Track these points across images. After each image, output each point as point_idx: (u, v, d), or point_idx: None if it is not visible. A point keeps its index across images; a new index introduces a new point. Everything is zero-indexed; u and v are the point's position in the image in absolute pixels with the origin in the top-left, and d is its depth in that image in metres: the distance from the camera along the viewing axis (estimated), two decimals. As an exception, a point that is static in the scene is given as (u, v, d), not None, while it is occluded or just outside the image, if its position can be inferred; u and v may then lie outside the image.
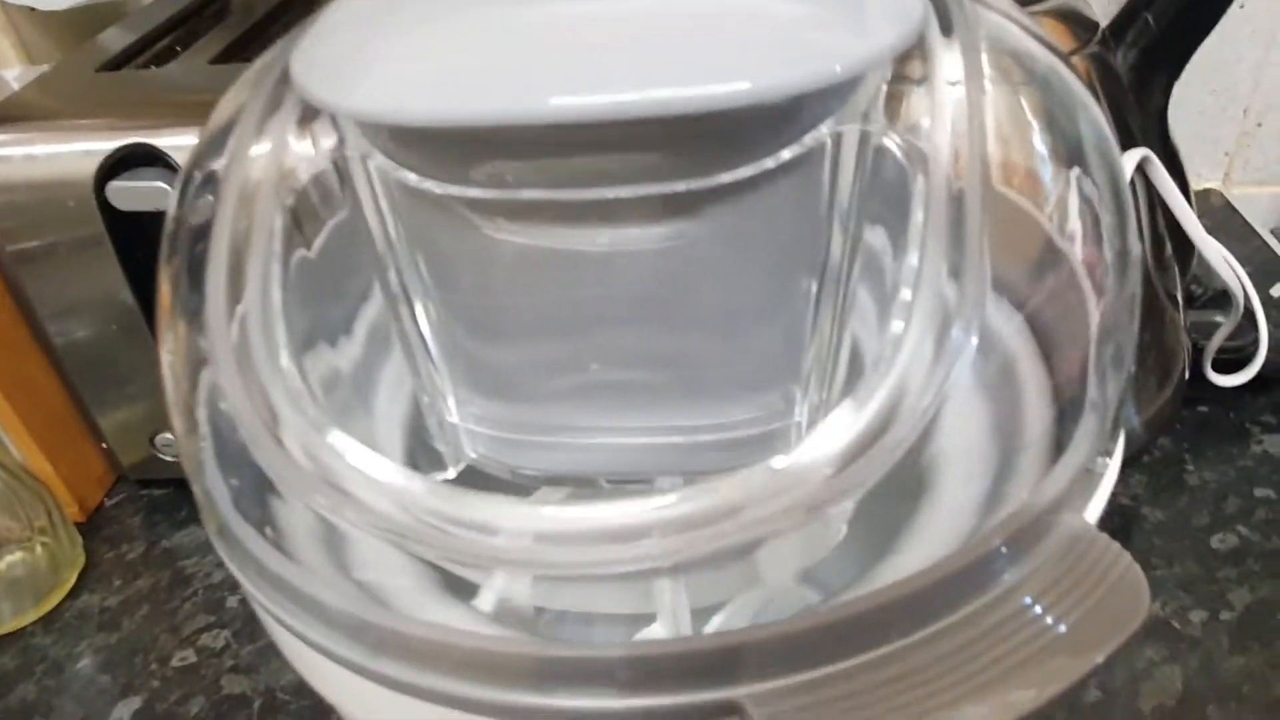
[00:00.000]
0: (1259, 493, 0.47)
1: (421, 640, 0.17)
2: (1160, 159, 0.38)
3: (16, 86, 0.54)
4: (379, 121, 0.18)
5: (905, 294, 0.17)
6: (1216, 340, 0.49)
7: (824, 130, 0.18)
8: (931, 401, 0.16)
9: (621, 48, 0.17)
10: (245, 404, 0.17)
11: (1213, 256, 0.42)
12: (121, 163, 0.41)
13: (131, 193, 0.41)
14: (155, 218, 0.41)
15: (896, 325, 0.16)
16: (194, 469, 0.20)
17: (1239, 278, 0.45)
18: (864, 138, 0.18)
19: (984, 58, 0.18)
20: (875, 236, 0.20)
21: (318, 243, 0.20)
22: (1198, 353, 0.49)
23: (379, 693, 0.18)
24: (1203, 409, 0.52)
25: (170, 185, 0.41)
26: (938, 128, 0.18)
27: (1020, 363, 0.21)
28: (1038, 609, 0.17)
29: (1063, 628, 0.17)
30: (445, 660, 0.17)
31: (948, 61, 0.18)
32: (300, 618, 0.19)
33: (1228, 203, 0.70)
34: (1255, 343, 0.49)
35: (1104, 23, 0.41)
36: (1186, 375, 0.47)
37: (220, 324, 0.18)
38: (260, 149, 0.19)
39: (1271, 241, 0.66)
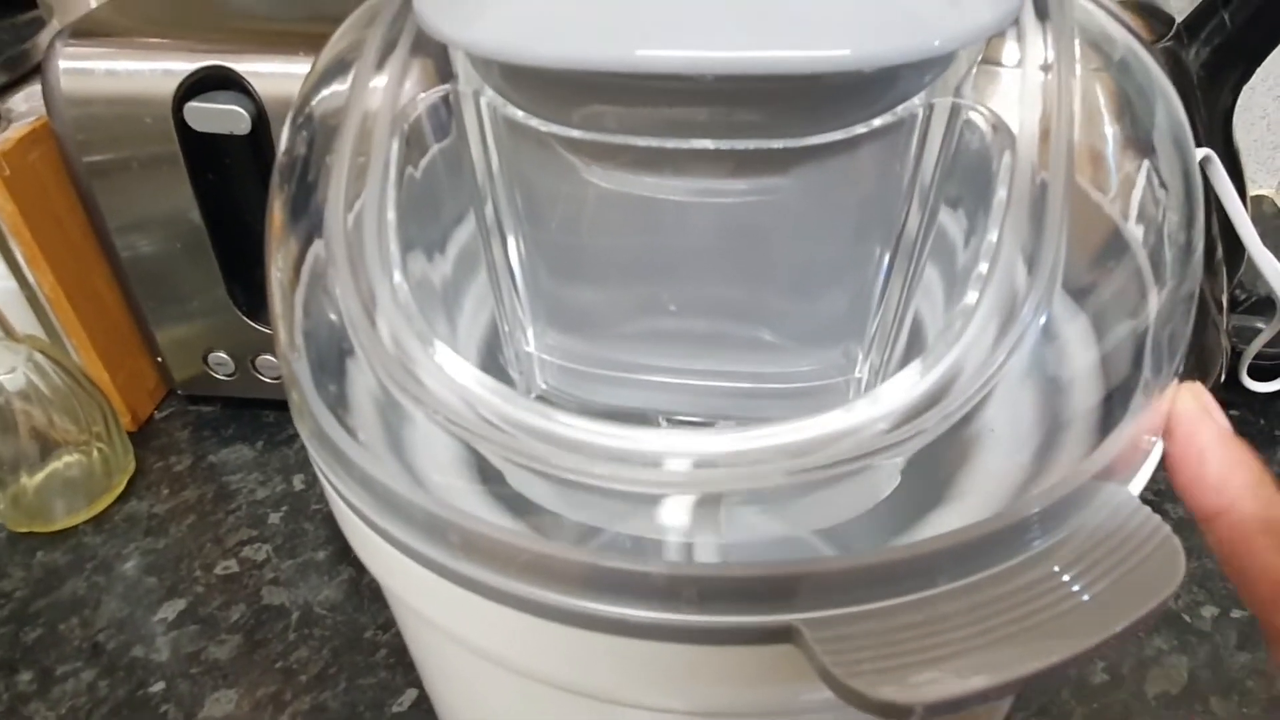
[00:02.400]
0: (1282, 499, 0.48)
1: (498, 542, 0.18)
2: (1222, 160, 0.38)
3: (94, 3, 0.55)
4: (493, 57, 0.19)
5: (981, 267, 0.17)
6: (1256, 345, 0.49)
7: (916, 101, 0.19)
8: (992, 376, 0.17)
9: (732, 6, 0.18)
10: (355, 303, 0.19)
11: (1263, 263, 0.42)
12: (199, 84, 0.43)
13: (208, 114, 0.42)
14: (228, 140, 0.43)
15: (970, 296, 0.17)
16: (291, 376, 0.21)
17: (1285, 286, 0.45)
18: (955, 111, 0.19)
19: (1076, 45, 0.19)
20: (950, 219, 0.21)
21: (422, 163, 0.22)
22: (1235, 356, 0.50)
23: (450, 589, 0.19)
24: (1234, 413, 0.52)
25: (246, 110, 0.42)
26: (1027, 109, 0.18)
27: (1073, 342, 0.22)
28: (1065, 576, 0.18)
29: (1086, 596, 0.18)
30: (516, 564, 0.18)
31: (1040, 46, 0.19)
32: (377, 509, 0.21)
33: (1279, 211, 0.70)
34: (1293, 352, 0.49)
35: (1179, 18, 0.41)
36: (1223, 378, 0.47)
37: (338, 229, 0.19)
38: (379, 83, 0.20)
39: (1319, 253, 0.66)
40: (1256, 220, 0.52)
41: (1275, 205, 0.71)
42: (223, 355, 0.52)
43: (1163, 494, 0.48)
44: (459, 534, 0.18)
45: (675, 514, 0.20)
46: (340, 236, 0.19)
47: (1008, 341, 0.17)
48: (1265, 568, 0.18)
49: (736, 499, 0.19)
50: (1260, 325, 0.49)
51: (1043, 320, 0.17)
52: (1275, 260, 0.46)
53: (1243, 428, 0.52)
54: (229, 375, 0.52)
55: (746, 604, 0.17)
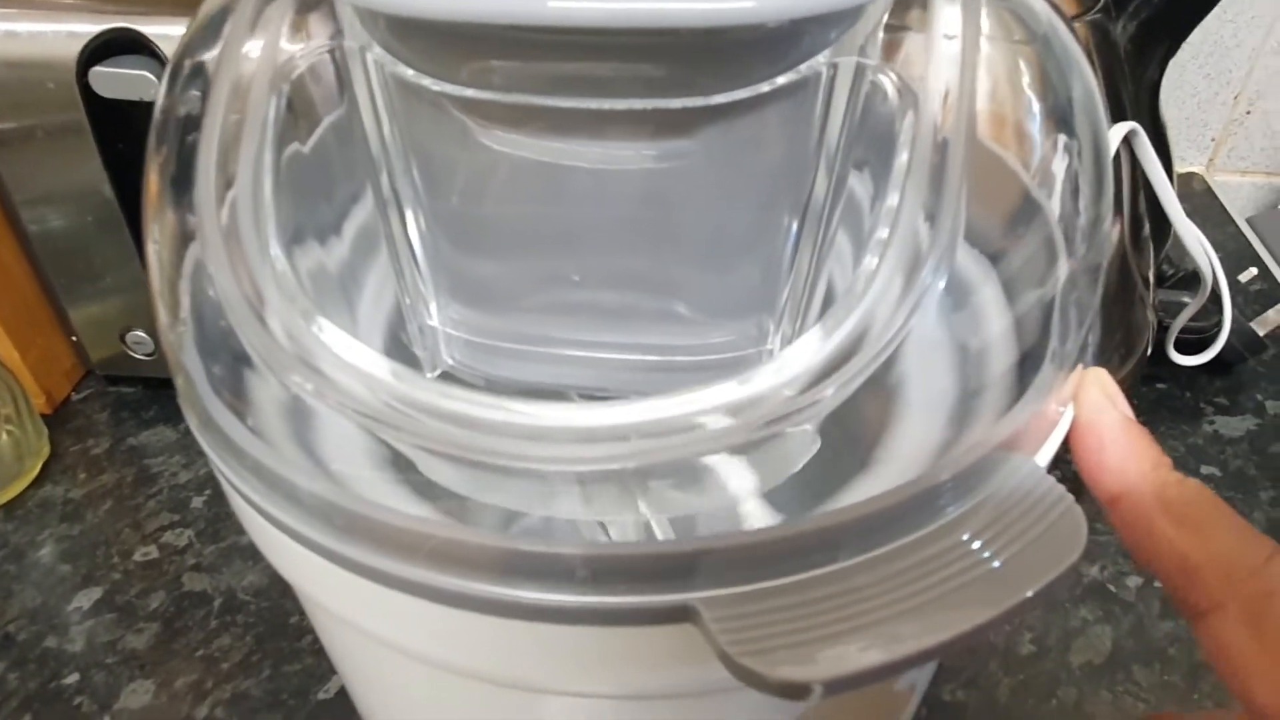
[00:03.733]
0: (1206, 470, 0.49)
1: (391, 527, 0.18)
2: (1148, 135, 0.38)
3: (-3, -38, 0.52)
4: (376, 9, 0.17)
5: (882, 232, 0.17)
6: (1181, 320, 0.50)
7: (821, 60, 0.18)
8: (895, 335, 0.17)
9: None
10: (232, 286, 0.17)
11: (1188, 238, 0.43)
12: (105, 47, 0.40)
13: (115, 79, 0.40)
14: (138, 107, 0.41)
15: (870, 261, 0.17)
16: (175, 359, 0.20)
17: (1211, 261, 0.46)
18: (859, 71, 0.19)
19: (984, 13, 0.19)
20: (859, 182, 0.21)
21: (312, 139, 0.20)
22: (1162, 331, 0.51)
23: (346, 578, 0.19)
24: (1160, 386, 0.53)
25: (155, 74, 0.40)
26: (931, 72, 0.18)
27: (987, 307, 0.22)
28: (976, 544, 0.18)
29: (997, 563, 0.18)
30: (413, 549, 0.18)
31: (947, 12, 0.19)
32: (275, 502, 0.20)
33: (1209, 188, 0.71)
34: (1218, 325, 0.50)
35: (1107, -8, 0.41)
36: (1149, 352, 0.48)
37: (210, 208, 0.18)
38: (256, 37, 0.19)
39: (1246, 230, 0.67)
40: (1186, 197, 0.53)
41: (1205, 182, 0.72)
42: (141, 334, 0.50)
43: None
44: (342, 516, 0.17)
45: (588, 494, 0.19)
46: (214, 221, 0.18)
47: (909, 300, 0.17)
48: (1167, 547, 0.18)
49: (645, 475, 0.18)
50: (1186, 300, 0.50)
51: (943, 279, 0.17)
52: (1200, 235, 0.46)
53: (1169, 401, 0.53)
54: (148, 355, 0.50)
55: (643, 583, 0.16)
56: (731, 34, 0.17)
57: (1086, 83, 0.22)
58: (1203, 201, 0.70)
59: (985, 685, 0.39)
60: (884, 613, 0.16)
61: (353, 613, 0.20)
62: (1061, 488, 0.18)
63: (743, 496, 0.20)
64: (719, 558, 0.17)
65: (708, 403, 0.16)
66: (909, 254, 0.17)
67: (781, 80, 0.18)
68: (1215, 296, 0.48)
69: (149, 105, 0.40)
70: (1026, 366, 0.20)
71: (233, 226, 0.18)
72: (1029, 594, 0.17)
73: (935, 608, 0.17)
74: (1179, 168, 0.72)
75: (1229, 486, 0.48)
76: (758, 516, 0.21)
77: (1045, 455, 0.20)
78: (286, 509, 0.19)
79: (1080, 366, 0.20)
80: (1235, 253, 0.65)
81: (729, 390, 0.16)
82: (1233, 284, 0.49)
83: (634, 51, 0.18)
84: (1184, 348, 0.51)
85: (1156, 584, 0.43)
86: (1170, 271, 0.53)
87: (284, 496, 0.19)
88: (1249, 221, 0.68)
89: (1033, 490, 0.18)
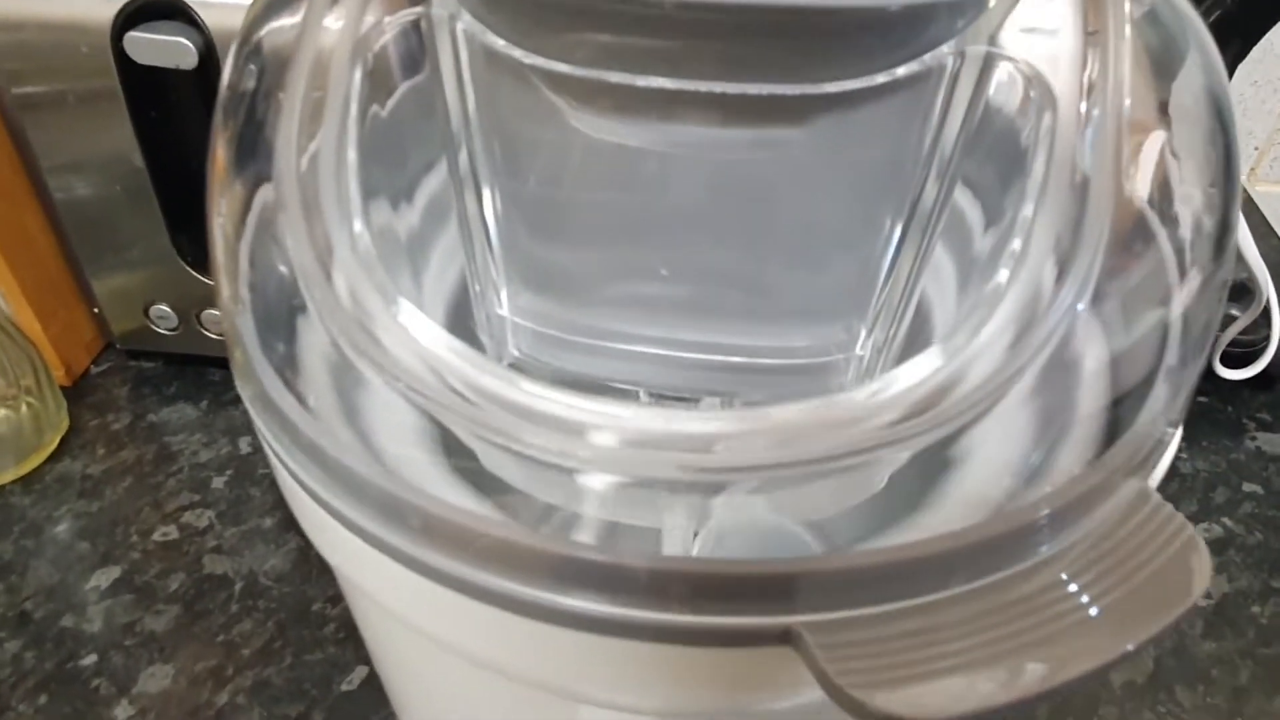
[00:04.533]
0: (1247, 487, 0.48)
1: (470, 530, 0.17)
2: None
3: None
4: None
5: (1015, 244, 0.16)
6: (1230, 332, 0.49)
7: (946, 50, 0.17)
8: (1018, 369, 0.16)
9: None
10: (306, 245, 0.16)
11: (1247, 249, 0.42)
12: (141, 12, 0.39)
13: (151, 46, 0.39)
14: (174, 75, 0.39)
15: (1001, 274, 0.16)
16: (234, 334, 0.19)
17: (1265, 274, 0.44)
18: (987, 63, 0.17)
19: (1126, 5, 0.17)
20: (966, 199, 0.19)
21: (390, 102, 0.19)
22: (1210, 343, 0.49)
23: (409, 576, 0.18)
24: (1203, 399, 0.52)
25: (193, 42, 0.39)
26: (1068, 74, 0.16)
27: (1088, 332, 0.20)
28: (1072, 586, 0.17)
29: (1094, 610, 0.16)
30: (513, 559, 0.16)
31: (1081, 7, 0.17)
32: (326, 485, 0.19)
33: (1250, 198, 0.70)
34: (1266, 339, 0.49)
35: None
36: (1198, 363, 0.47)
37: (291, 178, 0.17)
38: (336, 10, 0.18)
39: (1290, 242, 0.66)
40: (1236, 205, 0.52)
41: (1247, 192, 0.71)
42: (165, 308, 0.48)
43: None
44: (417, 515, 0.16)
45: (658, 501, 0.18)
46: (293, 178, 0.17)
47: (1033, 339, 0.16)
48: None
49: (720, 489, 0.17)
50: (1234, 312, 0.49)
51: (1081, 306, 0.16)
52: (1255, 246, 0.45)
53: (1211, 415, 0.52)
54: (172, 330, 0.49)
55: (741, 604, 0.15)
56: (850, 16, 0.16)
57: (1210, 62, 0.19)
58: (1244, 211, 0.69)
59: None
60: (980, 653, 0.15)
61: (405, 608, 0.19)
62: (1180, 516, 0.17)
63: (812, 517, 0.19)
64: (822, 581, 0.15)
65: (803, 418, 0.15)
66: (1035, 278, 0.16)
67: (901, 71, 0.17)
68: (1265, 310, 0.47)
69: (184, 73, 0.39)
70: (1136, 389, 0.19)
71: (312, 188, 0.17)
72: (1129, 647, 0.16)
73: (1022, 657, 0.16)
74: (1221, 176, 0.70)
75: (1271, 505, 0.47)
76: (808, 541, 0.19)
77: (1155, 479, 0.19)
78: (337, 492, 0.18)
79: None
80: (1277, 264, 0.64)
81: (828, 407, 0.15)
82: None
83: (742, 31, 0.16)
84: (1229, 361, 0.50)
85: (1199, 603, 0.42)
86: (1219, 282, 0.51)
87: (335, 479, 0.18)
88: (1292, 233, 0.67)
89: (1147, 520, 0.17)
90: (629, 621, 0.15)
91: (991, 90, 0.18)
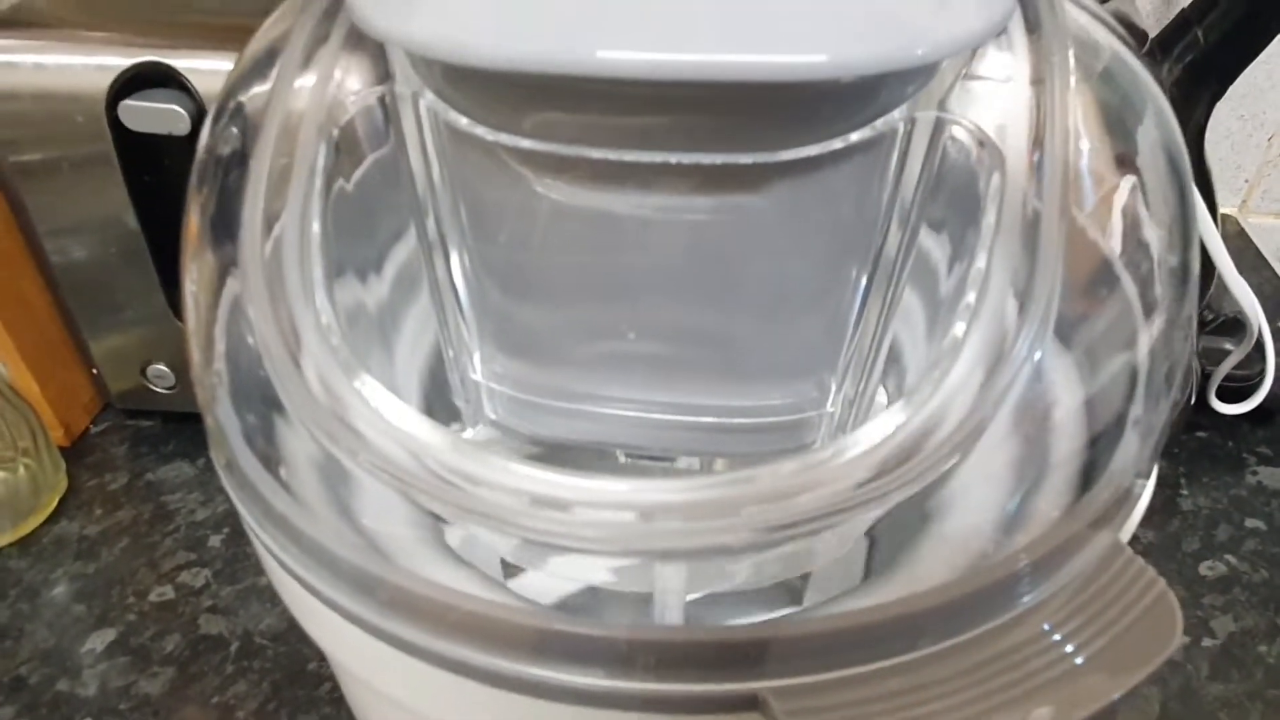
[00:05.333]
0: (1250, 523, 0.47)
1: (432, 601, 0.17)
2: (1194, 180, 0.37)
3: (29, -7, 0.52)
4: (430, 56, 0.17)
5: (970, 297, 0.16)
6: (1224, 367, 0.48)
7: (897, 115, 0.17)
8: (987, 413, 0.16)
9: (698, 5, 0.16)
10: (273, 332, 0.17)
11: (1235, 284, 0.42)
12: (135, 81, 0.40)
13: (144, 113, 0.39)
14: (165, 141, 0.40)
15: (957, 327, 0.16)
16: (208, 401, 0.19)
17: (1256, 309, 0.44)
18: (938, 126, 0.18)
19: (1070, 57, 0.18)
20: (932, 240, 0.20)
21: (356, 175, 0.20)
22: (1204, 378, 0.49)
23: (376, 646, 0.18)
24: (1201, 435, 0.52)
25: (184, 109, 0.39)
26: (1017, 128, 0.17)
27: (1062, 377, 0.20)
28: (1056, 636, 0.17)
29: (1080, 659, 0.16)
30: (457, 624, 0.17)
31: (1030, 57, 0.18)
32: (300, 560, 0.19)
33: (1242, 230, 0.70)
34: (1261, 373, 0.48)
35: (1153, 34, 0.40)
36: (1192, 399, 0.47)
37: (255, 252, 0.17)
38: (306, 79, 0.18)
39: (1283, 273, 0.66)
40: (1222, 240, 0.52)
41: (1238, 224, 0.71)
42: (162, 368, 0.49)
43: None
44: (387, 589, 0.16)
45: (641, 570, 0.18)
46: (257, 260, 0.17)
47: (999, 382, 0.16)
48: None
49: (694, 556, 0.17)
50: (1228, 346, 0.49)
51: (1037, 359, 0.16)
52: (1245, 283, 0.45)
53: (1211, 450, 0.51)
54: (169, 389, 0.49)
55: (708, 671, 0.15)
56: (802, 89, 0.16)
57: (1162, 116, 0.20)
58: (1236, 244, 0.69)
59: (1029, 749, 0.38)
60: (968, 710, 0.15)
61: (389, 686, 0.19)
62: (1152, 570, 0.17)
63: (788, 576, 0.19)
64: (790, 646, 0.15)
65: (774, 484, 0.15)
66: (996, 327, 0.16)
67: (854, 137, 0.17)
68: (1258, 344, 0.47)
69: (177, 139, 0.40)
70: (1104, 441, 0.19)
71: (277, 273, 0.18)
72: (1115, 697, 0.16)
73: (1016, 708, 0.15)
74: (1212, 209, 0.70)
75: (1275, 541, 0.47)
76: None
77: (1127, 531, 0.19)
78: (308, 565, 0.18)
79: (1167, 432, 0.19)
80: (1271, 296, 0.64)
81: (798, 471, 0.15)
82: (1275, 331, 0.48)
83: (699, 105, 0.17)
84: (1226, 396, 0.50)
85: (1205, 643, 0.42)
86: (1210, 317, 0.51)
87: (306, 552, 0.18)
88: (1285, 264, 0.67)
89: (1121, 573, 0.17)
90: (595, 691, 0.15)
91: (944, 148, 0.18)
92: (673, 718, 0.16)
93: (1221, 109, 0.66)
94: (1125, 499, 0.18)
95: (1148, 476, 0.19)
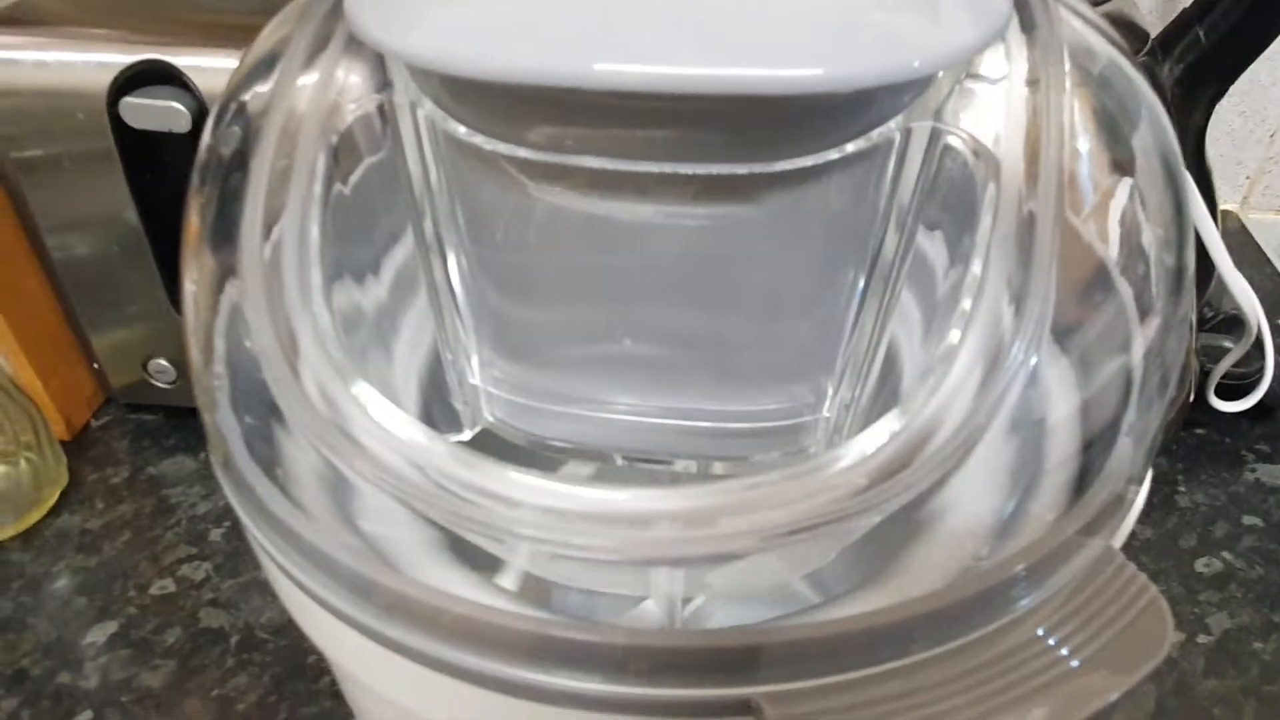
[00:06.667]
0: (1247, 520, 0.48)
1: (421, 603, 0.17)
2: (1194, 178, 0.37)
3: (30, -13, 0.52)
4: (430, 68, 0.17)
5: (965, 303, 0.16)
6: (1224, 365, 0.49)
7: (893, 126, 0.17)
8: (981, 421, 0.16)
9: (696, 19, 0.16)
10: (270, 339, 0.17)
11: (1233, 283, 0.42)
12: (136, 78, 0.40)
13: (146, 110, 0.40)
14: (166, 138, 0.40)
15: (953, 335, 0.16)
16: (207, 402, 0.19)
17: (1255, 306, 0.45)
18: (934, 136, 0.18)
19: (1065, 62, 0.18)
20: (929, 241, 0.20)
21: (353, 179, 0.20)
22: (1203, 375, 0.49)
23: (375, 649, 0.18)
24: (1200, 432, 0.52)
25: (185, 106, 0.39)
26: (1012, 131, 0.17)
27: (1057, 382, 0.20)
28: (1051, 640, 0.17)
29: (1075, 663, 0.16)
30: (450, 628, 0.17)
31: (1027, 63, 0.18)
32: (299, 564, 0.19)
33: (1243, 226, 0.70)
34: (1260, 371, 0.49)
35: (1154, 34, 0.40)
36: (1191, 397, 0.47)
37: (254, 257, 0.17)
38: (306, 83, 0.19)
39: (1283, 270, 0.66)
40: (1222, 237, 0.52)
41: (1239, 220, 0.71)
42: (163, 362, 0.49)
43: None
44: (383, 593, 0.16)
45: (637, 575, 0.18)
46: (256, 266, 0.17)
47: (994, 388, 0.16)
48: None
49: (689, 562, 0.17)
50: (1227, 344, 0.49)
51: (1033, 364, 0.16)
52: (1244, 281, 0.45)
53: (1209, 447, 0.52)
54: (170, 383, 0.49)
55: (702, 676, 0.15)
56: (798, 101, 0.16)
57: (1157, 121, 0.20)
58: (1237, 240, 0.69)
59: (1024, 746, 0.38)
60: (965, 714, 0.15)
61: (389, 690, 0.19)
62: (1143, 576, 0.17)
63: (787, 579, 0.20)
64: (783, 651, 0.16)
65: (773, 493, 0.15)
66: (992, 332, 0.16)
67: (850, 147, 0.17)
68: (1257, 341, 0.47)
69: (178, 136, 0.40)
70: (1101, 443, 0.19)
71: (275, 277, 0.18)
72: (1114, 697, 0.16)
73: (1012, 712, 0.16)
74: (1213, 205, 0.70)
75: (1273, 538, 0.47)
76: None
77: (1120, 537, 0.19)
78: (305, 567, 0.19)
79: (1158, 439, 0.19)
80: (1272, 293, 0.64)
81: (797, 478, 0.15)
82: (1274, 328, 0.48)
83: (698, 117, 0.17)
84: (1224, 393, 0.50)
85: (1199, 640, 0.42)
86: (1210, 315, 0.52)
87: (303, 554, 0.19)
88: (1286, 261, 0.67)
89: (1114, 579, 0.17)
90: (589, 695, 0.16)
91: (940, 156, 0.18)
92: (666, 721, 0.16)
93: (1223, 105, 0.66)
94: (1118, 505, 0.18)
95: (1141, 482, 0.19)
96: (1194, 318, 0.47)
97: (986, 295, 0.16)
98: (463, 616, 0.16)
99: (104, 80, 0.40)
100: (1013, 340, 0.16)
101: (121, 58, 0.40)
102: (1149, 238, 0.20)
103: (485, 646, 0.16)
